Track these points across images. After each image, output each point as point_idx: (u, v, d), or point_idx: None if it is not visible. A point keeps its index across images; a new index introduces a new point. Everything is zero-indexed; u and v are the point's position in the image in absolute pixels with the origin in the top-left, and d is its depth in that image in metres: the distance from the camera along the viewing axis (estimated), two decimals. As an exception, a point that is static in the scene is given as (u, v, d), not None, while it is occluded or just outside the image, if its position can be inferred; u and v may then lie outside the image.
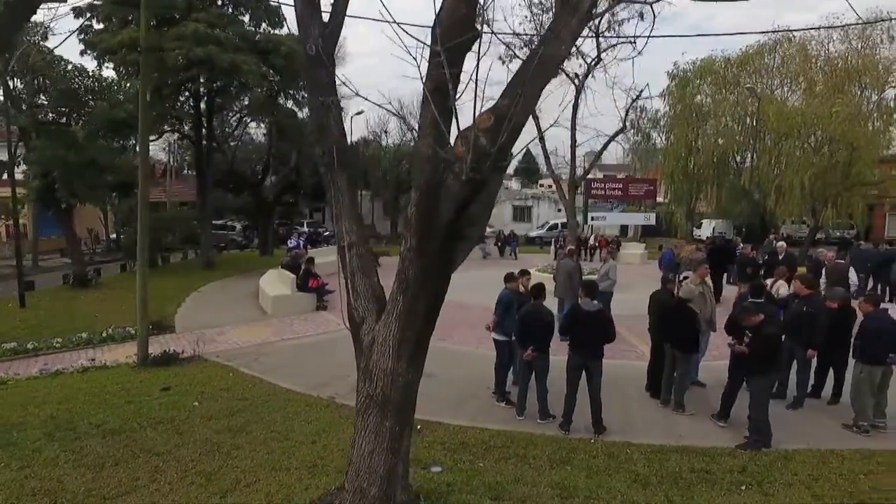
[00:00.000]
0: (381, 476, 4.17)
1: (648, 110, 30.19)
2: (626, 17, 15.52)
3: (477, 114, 3.57)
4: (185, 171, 34.30)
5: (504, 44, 14.44)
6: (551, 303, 9.97)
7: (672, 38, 53.08)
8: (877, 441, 6.20)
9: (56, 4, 8.75)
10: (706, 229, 32.27)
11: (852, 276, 11.08)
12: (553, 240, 26.73)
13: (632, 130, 29.77)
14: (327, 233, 31.55)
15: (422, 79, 3.68)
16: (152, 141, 23.10)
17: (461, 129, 3.65)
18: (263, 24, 19.89)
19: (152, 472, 5.27)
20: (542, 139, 16.91)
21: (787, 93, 26.96)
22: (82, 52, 17.42)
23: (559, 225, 31.41)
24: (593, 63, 15.70)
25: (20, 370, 8.81)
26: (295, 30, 22.99)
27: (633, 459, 5.74)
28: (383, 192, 37.26)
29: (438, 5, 3.52)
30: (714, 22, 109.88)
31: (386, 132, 38.90)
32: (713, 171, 29.11)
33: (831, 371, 7.40)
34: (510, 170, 58.21)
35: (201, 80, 18.89)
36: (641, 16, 14.95)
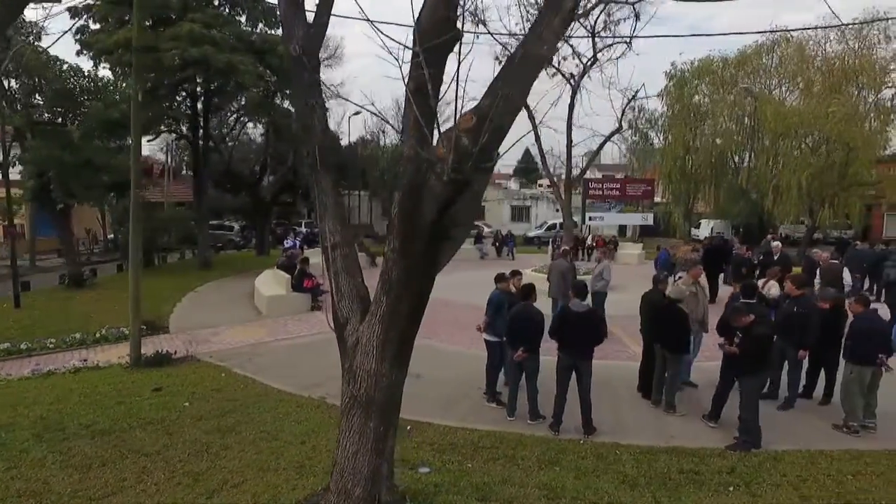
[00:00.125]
0: (365, 477, 4.17)
1: (647, 111, 30.23)
2: (622, 17, 15.53)
3: (459, 114, 3.58)
4: (184, 172, 34.31)
5: (500, 44, 14.45)
6: (545, 303, 10.00)
7: (672, 39, 53.08)
8: (866, 441, 6.20)
9: (49, 4, 8.70)
10: (705, 229, 32.27)
11: (846, 276, 11.05)
12: (551, 240, 26.74)
13: (630, 130, 29.84)
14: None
15: (403, 80, 3.68)
16: (149, 141, 23.23)
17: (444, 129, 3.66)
18: (260, 25, 19.91)
19: (140, 472, 5.26)
20: (538, 139, 16.93)
21: (786, 93, 26.98)
22: (78, 53, 17.45)
23: (557, 225, 31.41)
24: (589, 63, 15.69)
25: (12, 371, 8.81)
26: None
27: (621, 460, 5.74)
28: (381, 192, 37.23)
29: (418, 6, 3.52)
30: (714, 22, 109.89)
31: (384, 132, 38.92)
32: (711, 171, 29.13)
33: (823, 371, 7.40)
34: (509, 170, 58.28)
35: (198, 81, 18.91)
36: (637, 16, 14.98)
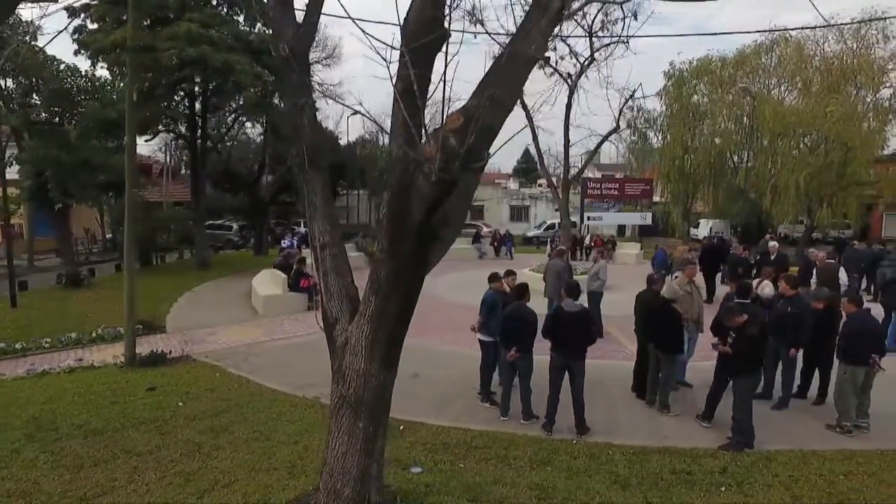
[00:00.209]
0: (354, 477, 4.17)
1: (646, 110, 30.16)
2: (619, 16, 15.50)
3: (446, 114, 3.58)
4: (183, 171, 34.30)
5: (498, 43, 14.39)
6: (541, 303, 10.00)
7: (673, 39, 53.07)
8: (859, 441, 6.20)
9: (45, 3, 8.69)
10: (703, 229, 32.28)
11: (843, 276, 11.05)
12: (549, 239, 26.73)
13: (628, 130, 29.80)
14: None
15: (391, 80, 3.68)
16: (147, 141, 23.19)
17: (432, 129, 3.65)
18: (258, 24, 19.87)
19: (131, 472, 5.26)
20: (535, 139, 16.92)
21: (785, 92, 26.94)
22: (76, 53, 17.41)
23: (556, 225, 31.40)
24: (586, 63, 15.68)
25: (7, 370, 8.79)
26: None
27: (614, 460, 5.74)
28: (380, 192, 37.22)
29: (405, 5, 3.52)
30: (714, 22, 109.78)
31: (383, 131, 38.83)
32: (709, 171, 29.07)
33: (817, 371, 7.40)
34: (509, 169, 58.28)
35: (196, 80, 18.89)
36: (635, 15, 14.94)
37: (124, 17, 16.92)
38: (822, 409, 7.07)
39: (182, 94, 20.31)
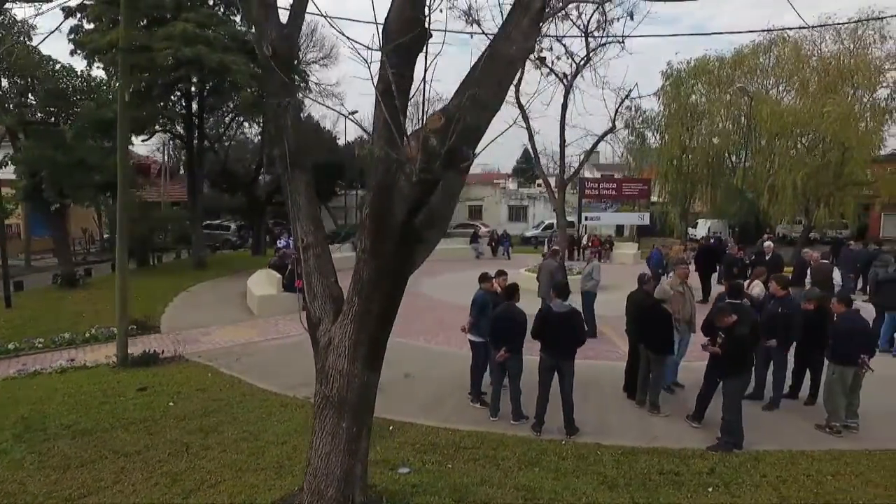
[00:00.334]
0: (338, 477, 4.17)
1: (644, 110, 30.19)
2: (615, 16, 15.53)
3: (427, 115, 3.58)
4: (181, 171, 34.30)
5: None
6: (535, 303, 9.99)
7: (673, 39, 52.98)
8: (848, 442, 6.19)
9: (39, 3, 8.70)
10: (702, 229, 32.28)
11: (836, 276, 11.04)
12: (546, 239, 26.72)
13: (626, 130, 29.80)
14: (322, 233, 31.45)
15: (372, 80, 3.67)
16: (144, 141, 23.18)
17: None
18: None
19: (118, 473, 5.26)
20: (531, 139, 16.91)
21: (783, 93, 26.94)
22: (72, 53, 17.40)
23: (554, 225, 31.39)
24: (582, 62, 15.67)
25: (-2, 371, 8.80)
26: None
27: (602, 461, 5.73)
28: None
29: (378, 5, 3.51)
30: (714, 22, 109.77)
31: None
32: (707, 171, 29.09)
33: (808, 372, 7.39)
34: (508, 170, 58.22)
35: (193, 81, 18.89)
36: (631, 15, 14.94)
37: (120, 17, 16.95)
38: (812, 410, 7.07)
39: (179, 94, 20.32)
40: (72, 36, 17.59)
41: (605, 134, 16.48)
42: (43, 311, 13.17)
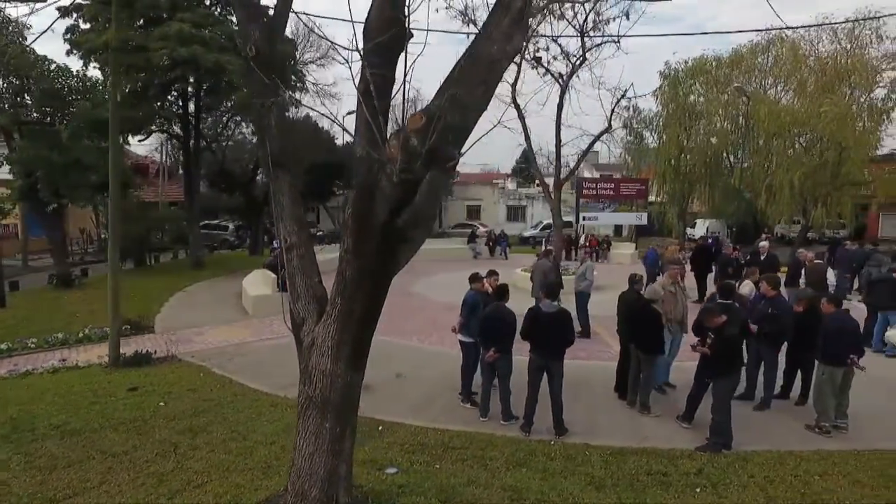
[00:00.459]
0: (321, 478, 4.16)
1: (642, 110, 30.18)
2: (611, 16, 15.49)
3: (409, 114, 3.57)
4: (179, 171, 34.31)
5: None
6: (530, 303, 9.98)
7: (671, 39, 53.00)
8: (837, 442, 6.19)
9: (33, 3, 8.68)
10: (700, 229, 32.27)
11: (831, 276, 11.03)
12: (544, 239, 26.72)
13: (624, 130, 29.80)
14: (320, 233, 31.52)
15: (353, 80, 3.67)
16: (140, 141, 23.17)
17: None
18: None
19: (104, 473, 5.25)
20: (527, 139, 16.89)
21: (781, 92, 26.93)
22: (68, 53, 17.38)
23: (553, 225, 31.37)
24: (578, 62, 15.64)
25: (-10, 371, 8.80)
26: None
27: (590, 461, 5.72)
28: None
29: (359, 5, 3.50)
30: (714, 22, 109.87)
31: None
32: (705, 171, 29.08)
33: (800, 372, 7.39)
34: (507, 170, 58.21)
35: (189, 80, 18.89)
36: (627, 15, 14.93)
37: (111, 17, 16.95)
38: (803, 410, 7.06)
39: (175, 94, 20.32)
40: (68, 36, 17.57)
41: (601, 134, 16.45)
42: (37, 311, 13.16)
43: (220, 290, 16.24)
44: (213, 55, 15.88)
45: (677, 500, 5.04)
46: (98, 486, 4.99)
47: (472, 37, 3.76)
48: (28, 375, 8.49)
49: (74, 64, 17.30)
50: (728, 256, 13.41)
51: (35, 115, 15.96)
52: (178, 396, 7.48)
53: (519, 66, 16.55)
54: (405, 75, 3.47)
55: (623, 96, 15.87)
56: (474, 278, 7.35)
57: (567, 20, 15.19)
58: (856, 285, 14.75)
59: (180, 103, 20.95)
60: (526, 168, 54.73)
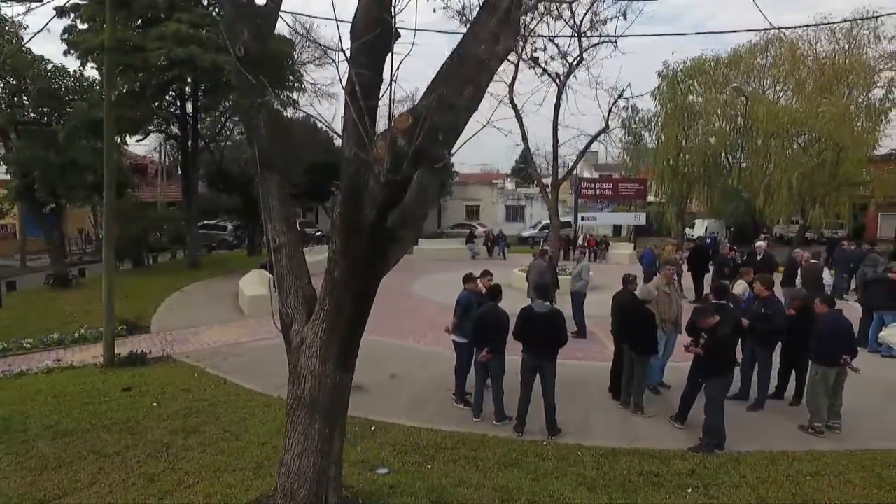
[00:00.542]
0: (310, 478, 4.15)
1: (640, 110, 30.17)
2: (609, 16, 15.48)
3: (395, 115, 3.57)
4: (178, 171, 34.31)
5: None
6: (526, 303, 9.97)
7: (670, 39, 52.98)
8: (830, 442, 6.18)
9: (28, 2, 8.69)
10: (699, 229, 32.28)
11: (827, 276, 11.03)
12: (542, 240, 26.73)
13: (623, 130, 29.80)
14: (319, 233, 31.50)
15: (340, 80, 3.67)
16: (138, 141, 23.19)
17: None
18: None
19: (95, 473, 5.24)
20: (525, 138, 16.89)
21: (780, 93, 26.94)
22: (65, 53, 17.41)
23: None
24: (575, 62, 15.64)
25: (-16, 371, 8.78)
26: (279, 30, 23.07)
27: (582, 462, 5.71)
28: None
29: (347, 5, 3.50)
30: (714, 22, 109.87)
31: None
32: (704, 171, 29.09)
33: (794, 372, 7.39)
34: (507, 170, 58.23)
35: (187, 81, 18.90)
36: (624, 15, 14.93)
37: (106, 17, 16.95)
38: (797, 410, 7.05)
39: (173, 94, 20.31)
40: (65, 36, 17.59)
41: (599, 134, 16.46)
42: (33, 312, 13.16)
43: (217, 290, 16.24)
44: (211, 55, 15.89)
45: (668, 500, 5.03)
46: (88, 487, 4.98)
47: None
48: (22, 376, 8.48)
49: (71, 64, 17.36)
50: (724, 257, 13.43)
51: (32, 115, 15.97)
52: (172, 396, 7.47)
53: (516, 66, 16.58)
54: (392, 75, 3.47)
55: (620, 96, 15.91)
56: (468, 279, 7.35)
57: (564, 20, 15.20)
58: (853, 285, 14.76)
59: (178, 103, 20.95)
60: (525, 168, 54.79)
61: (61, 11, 16.94)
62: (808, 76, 23.96)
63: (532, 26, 15.45)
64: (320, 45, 19.74)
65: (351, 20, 3.67)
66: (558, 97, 15.87)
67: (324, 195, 34.02)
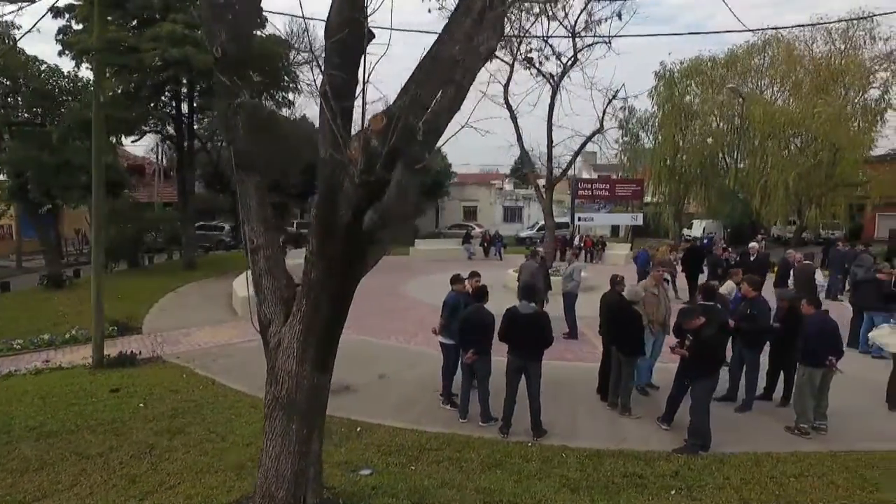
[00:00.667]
0: (288, 479, 4.14)
1: (637, 110, 30.20)
2: (603, 16, 15.50)
3: (368, 116, 3.56)
4: (173, 172, 34.32)
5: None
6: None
7: (668, 39, 52.97)
8: (815, 443, 6.17)
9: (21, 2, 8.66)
10: (697, 229, 32.26)
11: (819, 277, 11.02)
12: (539, 240, 26.70)
13: (620, 130, 29.82)
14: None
15: (315, 83, 3.66)
16: (133, 142, 23.19)
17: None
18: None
19: (77, 475, 5.23)
20: (519, 139, 16.91)
21: (777, 93, 26.94)
22: (60, 53, 17.40)
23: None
24: (570, 63, 15.66)
25: (-28, 372, 8.77)
26: (277, 30, 23.04)
27: (567, 463, 5.70)
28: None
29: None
30: (713, 21, 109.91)
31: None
32: (701, 172, 29.10)
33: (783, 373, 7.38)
34: (506, 170, 58.21)
35: (182, 81, 18.91)
36: (619, 15, 14.95)
37: (108, 18, 16.97)
38: (785, 412, 7.03)
39: (168, 94, 20.32)
40: (60, 37, 17.58)
41: (593, 135, 16.49)
42: (25, 312, 13.15)
43: (211, 290, 16.23)
44: (206, 56, 15.82)
45: (651, 502, 5.02)
46: (69, 489, 4.97)
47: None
48: (10, 377, 8.47)
49: (66, 65, 17.35)
50: (718, 257, 13.43)
51: (25, 115, 15.96)
52: (160, 397, 7.46)
53: (511, 66, 16.60)
54: (365, 76, 3.47)
55: (614, 97, 15.93)
56: (455, 279, 7.34)
57: (558, 20, 15.23)
58: (847, 286, 14.74)
59: (174, 104, 20.95)
60: (521, 169, 54.73)
61: (56, 12, 16.95)
62: (804, 77, 23.96)
63: (527, 27, 15.49)
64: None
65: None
66: (552, 97, 15.90)
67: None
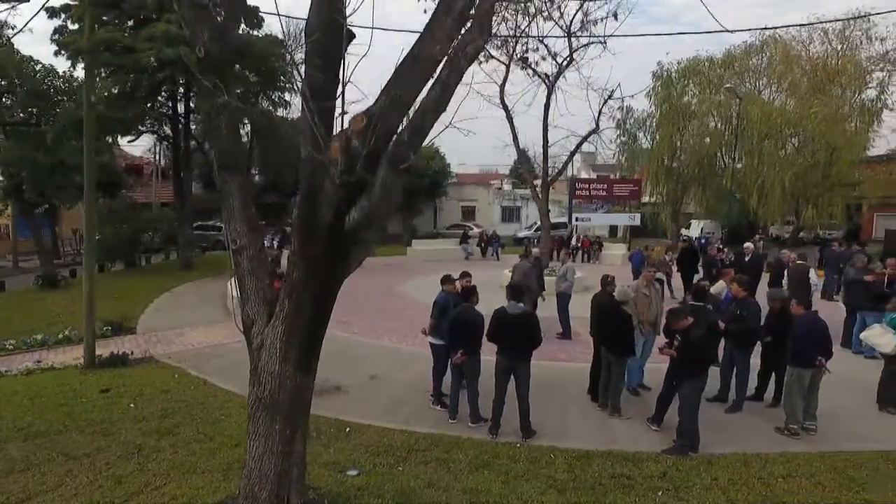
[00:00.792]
0: (271, 480, 4.13)
1: (635, 110, 30.20)
2: (599, 16, 15.49)
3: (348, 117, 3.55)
4: (172, 172, 34.31)
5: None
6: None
7: (667, 39, 52.98)
8: (804, 444, 6.17)
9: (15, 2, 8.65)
10: (695, 230, 32.23)
11: (813, 277, 11.01)
12: (537, 240, 26.68)
13: (617, 131, 29.80)
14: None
15: (294, 85, 3.66)
16: (130, 142, 23.16)
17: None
18: (241, 26, 19.83)
19: (62, 476, 5.22)
20: (515, 139, 16.91)
21: (774, 93, 26.95)
22: (56, 53, 17.37)
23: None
24: (565, 63, 15.64)
25: (-35, 373, 8.76)
26: (273, 30, 23.03)
27: (554, 464, 5.69)
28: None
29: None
30: (712, 21, 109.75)
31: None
32: (699, 172, 29.08)
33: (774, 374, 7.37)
34: (505, 170, 58.18)
35: (180, 82, 18.89)
36: (615, 15, 14.92)
37: (104, 18, 16.97)
38: (775, 412, 7.02)
39: (165, 95, 20.31)
40: (56, 37, 17.56)
41: (589, 135, 16.47)
42: (19, 312, 13.14)
43: (207, 290, 16.22)
44: (200, 56, 15.85)
45: (638, 503, 5.01)
46: (54, 490, 4.96)
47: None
48: (1, 377, 8.45)
49: (62, 65, 17.34)
50: (712, 257, 13.42)
51: (20, 115, 15.94)
52: (150, 398, 7.45)
53: (507, 66, 16.58)
54: (344, 76, 3.46)
55: (610, 97, 15.91)
56: (446, 280, 7.33)
57: (554, 20, 15.20)
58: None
59: (170, 104, 20.94)
60: (518, 169, 54.68)
61: (52, 12, 16.93)
62: (801, 77, 23.96)
63: (523, 27, 15.48)
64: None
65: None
66: (548, 98, 15.88)
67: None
